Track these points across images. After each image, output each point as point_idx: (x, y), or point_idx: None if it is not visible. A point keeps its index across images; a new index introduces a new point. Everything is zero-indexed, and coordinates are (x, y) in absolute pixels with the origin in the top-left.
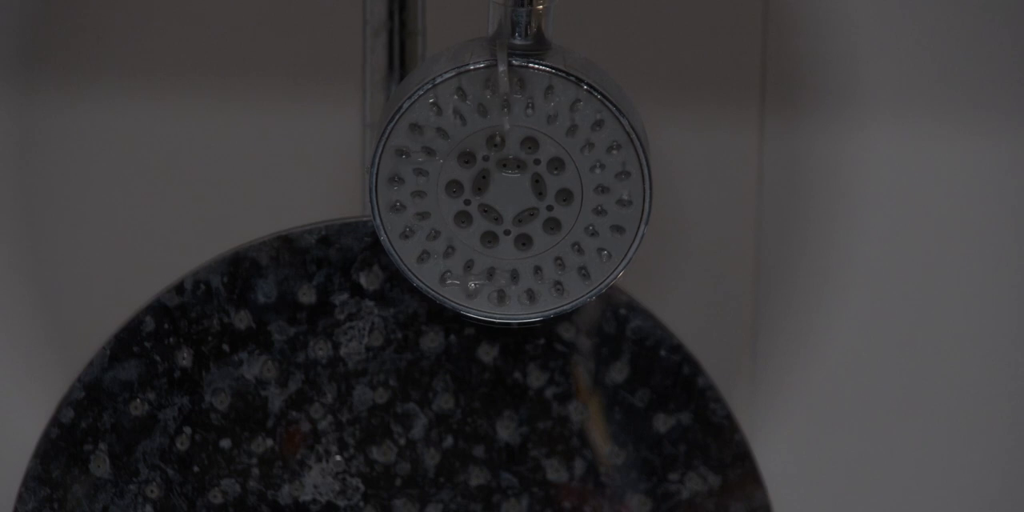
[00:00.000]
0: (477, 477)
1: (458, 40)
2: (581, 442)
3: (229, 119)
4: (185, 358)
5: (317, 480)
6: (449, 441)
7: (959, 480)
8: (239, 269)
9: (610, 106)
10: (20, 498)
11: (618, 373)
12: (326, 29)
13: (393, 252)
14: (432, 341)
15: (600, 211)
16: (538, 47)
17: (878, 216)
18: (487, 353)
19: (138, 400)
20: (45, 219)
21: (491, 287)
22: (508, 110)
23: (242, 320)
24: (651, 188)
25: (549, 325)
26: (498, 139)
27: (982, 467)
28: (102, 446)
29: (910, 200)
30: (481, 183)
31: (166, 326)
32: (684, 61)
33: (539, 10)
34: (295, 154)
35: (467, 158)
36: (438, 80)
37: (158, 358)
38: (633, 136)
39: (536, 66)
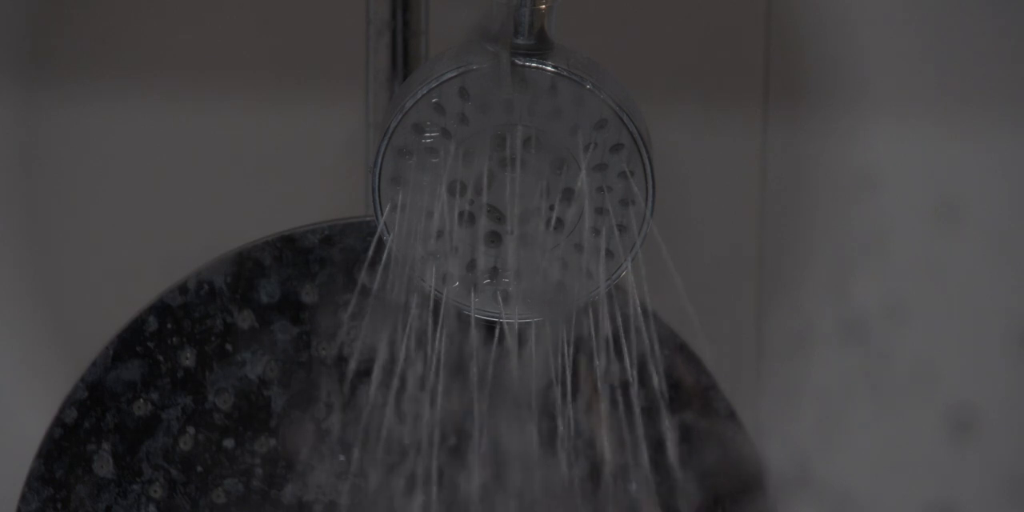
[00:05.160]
0: (479, 476)
1: (461, 40)
2: (584, 442)
3: (231, 119)
4: (188, 358)
5: (320, 480)
6: (452, 439)
7: (963, 480)
8: (242, 269)
9: (613, 106)
10: (23, 498)
11: (618, 373)
12: (329, 29)
13: (395, 252)
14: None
15: (603, 211)
16: (541, 47)
17: (881, 217)
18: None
19: (141, 400)
20: (47, 218)
21: (493, 287)
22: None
23: (245, 320)
24: (654, 188)
25: None
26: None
27: (987, 468)
28: (105, 446)
29: (913, 201)
30: (484, 183)
31: (169, 326)
32: (687, 61)
33: (542, 10)
34: (297, 154)
35: (470, 158)
36: (441, 80)
37: (161, 358)
38: (636, 136)
39: (539, 66)
